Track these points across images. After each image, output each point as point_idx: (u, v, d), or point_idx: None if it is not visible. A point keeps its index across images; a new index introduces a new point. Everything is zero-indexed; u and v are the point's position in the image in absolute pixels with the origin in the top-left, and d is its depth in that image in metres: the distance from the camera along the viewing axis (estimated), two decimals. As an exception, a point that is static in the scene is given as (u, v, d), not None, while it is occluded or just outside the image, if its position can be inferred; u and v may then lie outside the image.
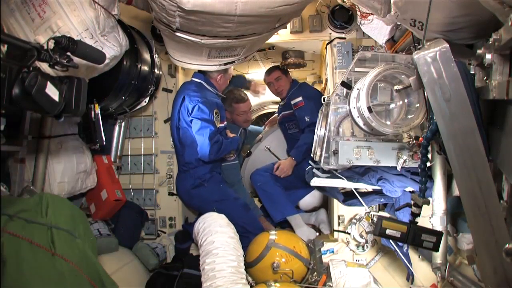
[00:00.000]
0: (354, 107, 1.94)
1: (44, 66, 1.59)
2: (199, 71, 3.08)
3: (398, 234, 1.37)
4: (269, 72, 3.65)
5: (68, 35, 1.53)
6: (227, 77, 3.18)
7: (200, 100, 2.88)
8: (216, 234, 2.28)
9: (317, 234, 3.16)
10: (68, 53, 1.49)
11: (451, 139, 0.87)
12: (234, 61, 2.59)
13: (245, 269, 2.74)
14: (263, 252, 2.58)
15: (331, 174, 2.41)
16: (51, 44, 1.43)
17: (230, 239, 2.28)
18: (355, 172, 2.38)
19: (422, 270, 2.60)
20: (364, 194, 2.64)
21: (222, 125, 3.02)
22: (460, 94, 0.84)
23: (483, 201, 0.86)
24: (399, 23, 2.33)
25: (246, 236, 2.83)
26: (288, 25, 3.09)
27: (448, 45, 0.85)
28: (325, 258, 2.83)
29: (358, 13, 2.81)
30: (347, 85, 2.05)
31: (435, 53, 0.84)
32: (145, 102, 3.10)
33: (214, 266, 2.13)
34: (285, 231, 2.87)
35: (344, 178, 2.34)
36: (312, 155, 2.56)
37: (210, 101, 2.92)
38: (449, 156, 0.89)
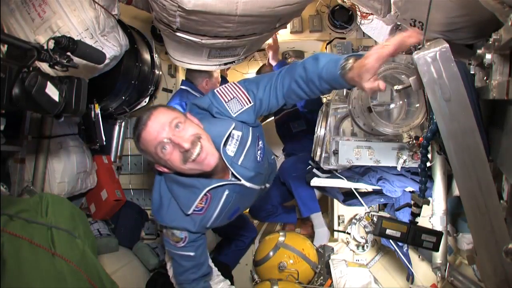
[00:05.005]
0: (354, 107, 1.94)
1: (44, 66, 1.59)
2: (186, 79, 2.93)
3: (398, 234, 1.37)
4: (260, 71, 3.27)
5: (68, 35, 1.53)
6: (213, 81, 2.92)
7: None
8: None
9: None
10: (68, 53, 1.49)
11: (451, 139, 0.87)
12: (234, 61, 2.58)
13: (253, 267, 2.76)
14: (271, 251, 2.61)
15: (331, 174, 2.41)
16: (51, 44, 1.43)
17: None
18: (355, 172, 2.37)
19: (422, 270, 2.60)
20: (364, 194, 2.64)
21: None
22: (460, 94, 0.84)
23: (483, 201, 0.86)
24: (399, 23, 2.33)
25: (241, 239, 2.84)
26: (288, 25, 3.09)
27: (448, 45, 0.85)
28: (325, 258, 2.84)
29: (358, 13, 2.81)
30: (347, 85, 2.05)
31: (435, 53, 0.84)
32: (145, 102, 3.11)
33: None
34: (295, 233, 2.89)
35: (344, 178, 2.34)
36: (312, 155, 2.56)
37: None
38: (449, 156, 0.89)
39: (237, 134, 1.54)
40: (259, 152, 1.64)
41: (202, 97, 1.60)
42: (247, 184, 1.60)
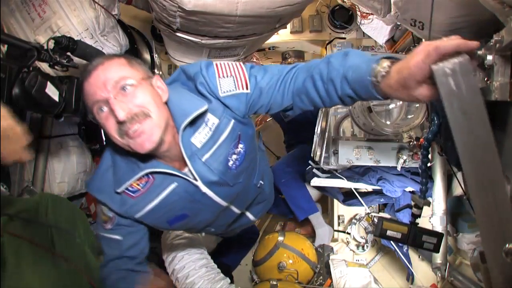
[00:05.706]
0: (354, 107, 1.94)
1: (44, 66, 1.59)
2: None
3: (398, 235, 1.36)
4: None
5: (68, 35, 1.53)
6: None
7: None
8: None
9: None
10: (68, 53, 1.49)
11: (467, 152, 0.83)
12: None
13: (253, 267, 2.76)
14: (270, 251, 2.62)
15: (331, 174, 2.41)
16: (51, 44, 1.44)
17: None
18: (355, 172, 2.38)
19: (422, 270, 2.60)
20: (364, 194, 2.64)
21: None
22: (478, 107, 0.81)
23: (498, 215, 0.83)
24: (399, 23, 2.33)
25: (242, 241, 2.84)
26: (288, 25, 3.09)
27: (468, 57, 0.82)
28: (325, 258, 2.84)
29: (358, 13, 2.81)
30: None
31: (455, 65, 0.81)
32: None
33: (187, 272, 2.05)
34: (294, 233, 2.89)
35: (344, 178, 2.34)
36: (312, 155, 2.56)
37: None
38: (464, 170, 0.84)
39: (212, 120, 1.21)
40: (234, 156, 1.28)
41: (194, 63, 1.27)
42: (203, 188, 1.26)
